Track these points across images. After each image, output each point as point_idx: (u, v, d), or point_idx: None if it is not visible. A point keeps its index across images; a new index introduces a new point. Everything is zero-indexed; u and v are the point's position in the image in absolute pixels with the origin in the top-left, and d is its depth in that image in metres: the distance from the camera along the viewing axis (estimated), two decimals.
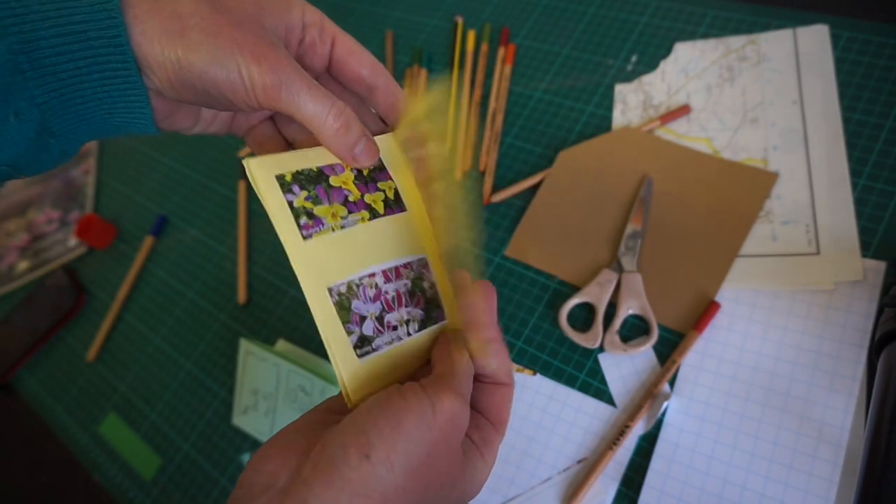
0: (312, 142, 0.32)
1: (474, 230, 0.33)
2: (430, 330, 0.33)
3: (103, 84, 0.28)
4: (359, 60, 0.33)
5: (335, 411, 0.30)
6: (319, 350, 0.59)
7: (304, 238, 0.30)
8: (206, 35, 0.27)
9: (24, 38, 0.26)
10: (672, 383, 0.47)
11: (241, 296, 0.66)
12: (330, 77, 0.35)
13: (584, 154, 0.58)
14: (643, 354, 0.48)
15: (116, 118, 0.29)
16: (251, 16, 0.29)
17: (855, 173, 0.49)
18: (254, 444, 0.58)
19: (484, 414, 0.31)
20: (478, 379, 0.31)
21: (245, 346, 0.59)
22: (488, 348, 0.30)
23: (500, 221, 0.59)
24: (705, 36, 0.60)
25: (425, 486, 0.27)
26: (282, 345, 0.62)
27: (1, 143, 0.27)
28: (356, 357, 0.30)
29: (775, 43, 0.56)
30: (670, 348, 0.48)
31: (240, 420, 0.59)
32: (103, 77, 0.27)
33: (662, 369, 0.47)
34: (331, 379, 0.54)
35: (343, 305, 0.30)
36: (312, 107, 0.29)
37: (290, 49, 0.32)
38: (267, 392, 0.56)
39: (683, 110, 0.56)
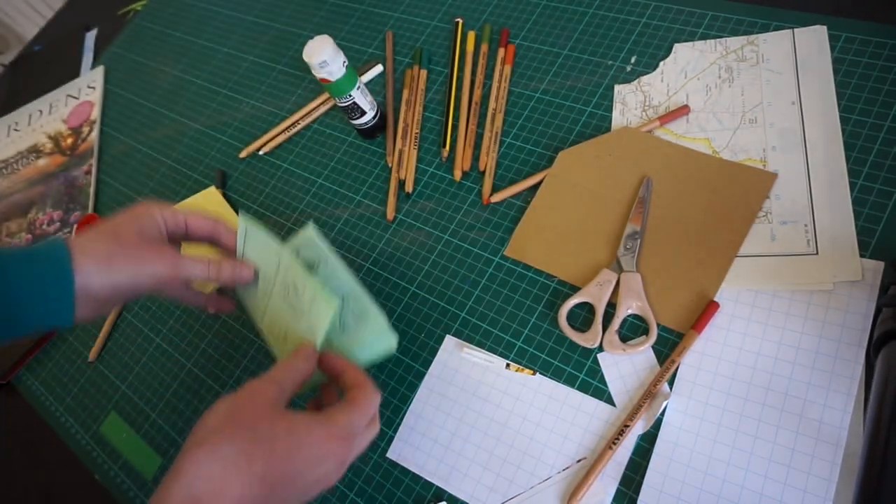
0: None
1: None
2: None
3: (46, 305, 0.44)
4: (201, 224, 0.52)
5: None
6: None
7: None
8: (124, 263, 0.46)
9: None
10: (671, 383, 0.47)
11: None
12: (188, 238, 0.52)
13: (584, 154, 0.58)
14: (642, 354, 0.48)
15: (43, 324, 0.45)
16: (138, 234, 0.47)
17: (853, 173, 0.49)
18: None
19: (343, 400, 0.43)
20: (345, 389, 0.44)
21: (244, 220, 0.52)
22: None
23: (500, 221, 0.59)
24: (704, 37, 0.60)
25: (239, 426, 0.37)
26: None
27: None
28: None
29: (774, 44, 0.56)
30: (669, 348, 0.48)
31: (240, 290, 0.55)
32: (48, 306, 0.44)
33: (662, 369, 0.47)
34: (321, 290, 0.47)
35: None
36: (198, 272, 0.49)
37: (164, 235, 0.50)
38: (265, 273, 0.52)
39: (683, 111, 0.56)
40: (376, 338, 0.48)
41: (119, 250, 0.45)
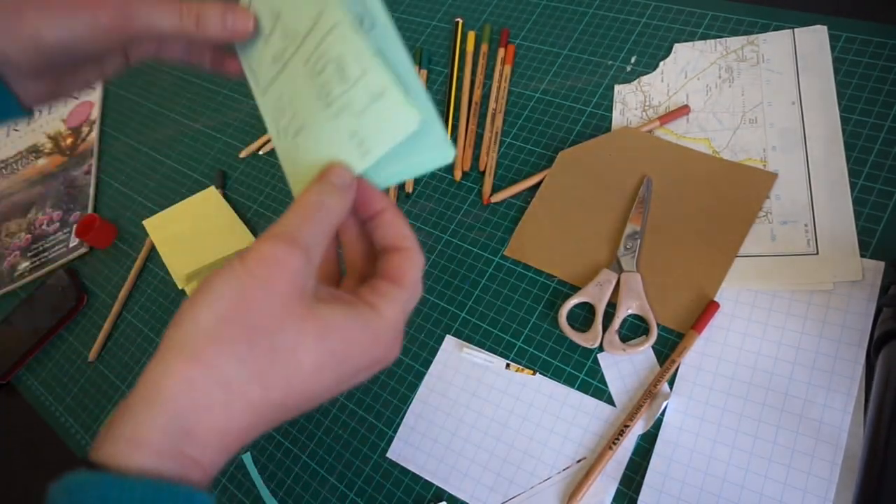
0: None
1: None
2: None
3: None
4: None
5: None
6: None
7: None
8: (42, 9, 0.30)
9: None
10: (671, 383, 0.47)
11: None
12: None
13: (584, 154, 0.58)
14: (642, 354, 0.48)
15: None
16: None
17: (853, 173, 0.49)
18: (254, 443, 0.58)
19: (381, 273, 0.30)
20: (382, 251, 0.31)
21: None
22: (381, 219, 0.31)
23: (499, 221, 0.59)
24: (704, 37, 0.60)
25: (248, 329, 0.26)
26: None
27: None
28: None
29: (774, 44, 0.56)
30: (670, 348, 0.48)
31: (240, 51, 0.37)
32: None
33: (662, 369, 0.47)
34: (393, 84, 0.28)
35: None
36: (165, 21, 0.32)
37: None
38: (288, 26, 0.33)
39: (683, 111, 0.56)
40: (430, 153, 0.30)
41: None
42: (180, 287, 0.68)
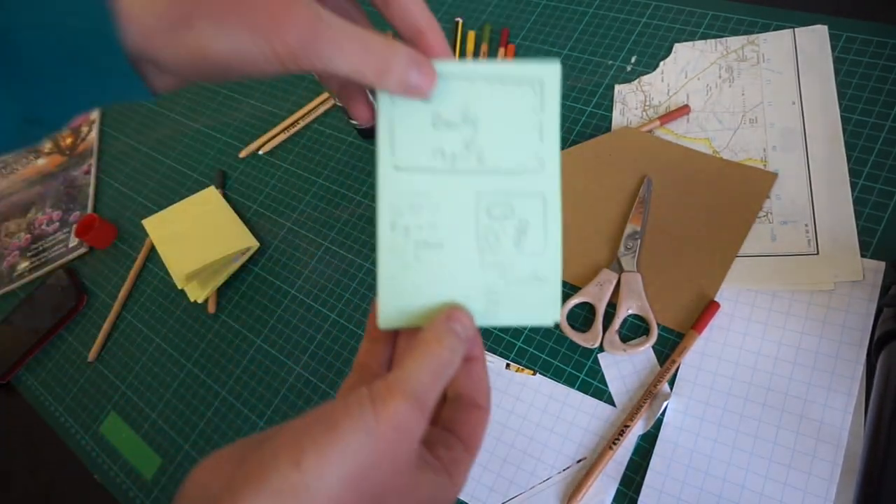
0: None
1: None
2: None
3: (92, 76, 0.25)
4: None
5: None
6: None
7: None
8: (214, 20, 0.24)
9: None
10: (671, 383, 0.47)
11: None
12: None
13: (584, 154, 0.58)
14: (643, 354, 0.48)
15: (109, 98, 0.27)
16: None
17: (854, 173, 0.49)
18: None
19: (456, 433, 0.29)
20: (456, 398, 0.30)
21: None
22: (470, 367, 0.29)
23: None
24: (705, 36, 0.60)
25: (365, 499, 0.24)
26: None
27: None
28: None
29: (774, 43, 0.56)
30: (670, 348, 0.48)
31: (387, 110, 0.29)
32: (92, 72, 0.25)
33: (662, 369, 0.47)
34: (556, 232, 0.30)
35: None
36: (345, 64, 0.26)
37: None
38: (480, 147, 0.30)
39: (683, 110, 0.56)
40: (537, 313, 0.30)
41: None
42: (180, 287, 0.68)
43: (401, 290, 0.29)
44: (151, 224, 0.75)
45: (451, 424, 0.29)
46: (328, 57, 0.26)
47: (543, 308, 0.29)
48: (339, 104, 0.66)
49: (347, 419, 0.24)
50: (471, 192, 0.29)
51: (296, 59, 0.25)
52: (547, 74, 0.32)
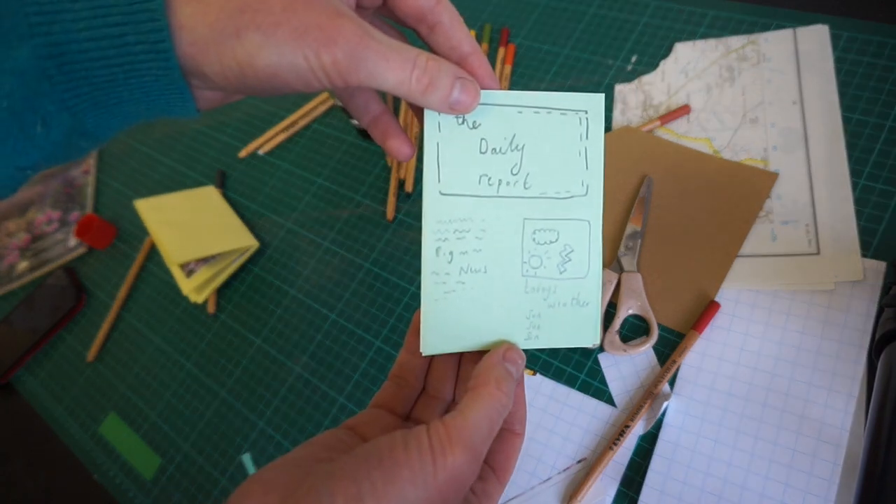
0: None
1: None
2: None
3: (143, 88, 0.26)
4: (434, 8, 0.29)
5: (336, 448, 0.28)
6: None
7: None
8: (264, 32, 0.25)
9: (51, 41, 0.23)
10: (672, 383, 0.47)
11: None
12: (378, 16, 0.31)
13: None
14: (643, 354, 0.48)
15: (155, 112, 0.28)
16: None
17: (855, 173, 0.49)
18: (254, 443, 0.58)
19: (489, 461, 0.30)
20: None
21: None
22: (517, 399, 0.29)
23: None
24: (705, 36, 0.60)
25: None
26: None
27: (26, 149, 0.25)
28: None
29: (775, 43, 0.56)
30: (670, 348, 0.48)
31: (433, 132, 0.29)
32: (143, 83, 0.25)
33: (662, 369, 0.47)
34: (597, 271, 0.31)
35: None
36: (392, 77, 0.26)
37: None
38: (526, 170, 0.31)
39: (683, 110, 0.56)
40: (577, 335, 0.32)
41: (262, 5, 0.25)
42: (172, 267, 0.67)
43: (444, 316, 0.30)
44: (143, 206, 0.72)
45: (486, 454, 0.29)
46: (375, 71, 0.26)
47: (584, 330, 0.31)
48: (338, 104, 0.66)
49: (408, 470, 0.24)
50: (517, 217, 0.30)
51: (343, 72, 0.26)
52: (591, 105, 0.33)
